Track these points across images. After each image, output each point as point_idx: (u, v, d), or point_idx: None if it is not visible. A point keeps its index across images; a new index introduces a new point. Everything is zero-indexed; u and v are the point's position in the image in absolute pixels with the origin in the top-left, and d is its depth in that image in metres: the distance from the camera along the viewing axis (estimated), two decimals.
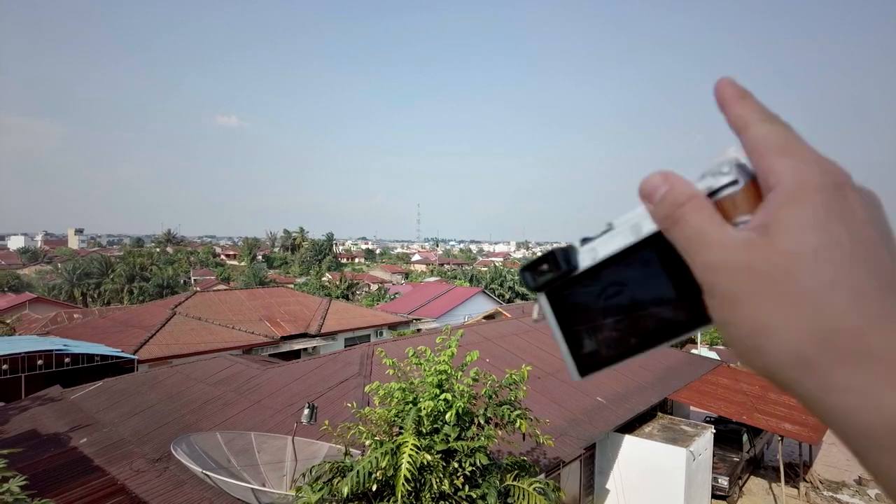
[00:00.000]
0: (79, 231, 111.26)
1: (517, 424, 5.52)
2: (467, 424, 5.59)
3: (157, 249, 66.64)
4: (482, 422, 5.63)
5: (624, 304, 0.51)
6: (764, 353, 0.39)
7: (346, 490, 5.07)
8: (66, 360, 15.39)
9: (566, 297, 0.52)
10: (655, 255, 0.50)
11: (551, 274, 0.52)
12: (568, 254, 0.52)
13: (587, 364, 0.51)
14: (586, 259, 0.51)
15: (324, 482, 5.47)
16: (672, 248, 0.49)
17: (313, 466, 5.76)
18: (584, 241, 0.52)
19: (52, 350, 15.23)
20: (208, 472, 7.05)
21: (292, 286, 37.52)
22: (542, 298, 0.53)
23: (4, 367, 14.51)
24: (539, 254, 0.53)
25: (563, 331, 0.52)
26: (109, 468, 8.41)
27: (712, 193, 0.46)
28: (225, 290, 29.20)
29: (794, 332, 0.37)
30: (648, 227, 0.50)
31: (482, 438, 5.41)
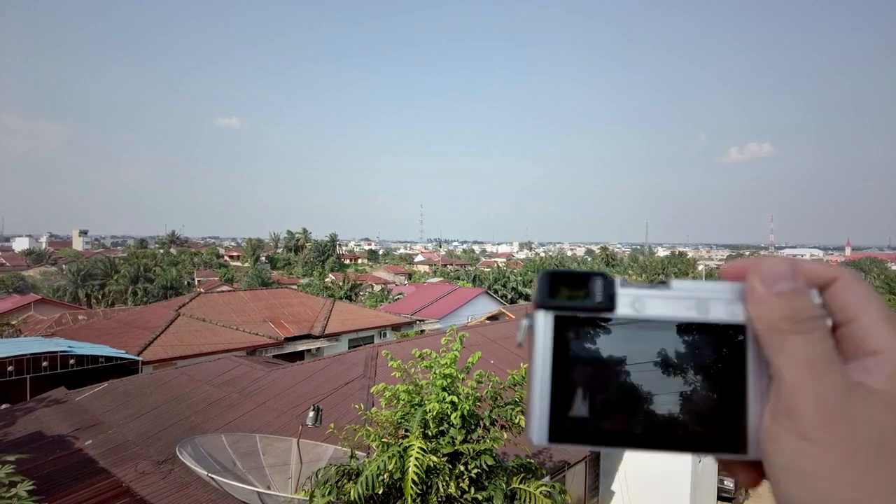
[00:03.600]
0: (83, 232, 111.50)
1: (518, 421, 5.50)
2: (473, 427, 5.57)
3: (161, 251, 66.77)
4: (487, 424, 5.61)
5: (647, 384, 0.42)
6: None
7: (354, 494, 5.06)
8: (71, 361, 15.41)
9: (577, 336, 0.43)
10: (713, 349, 0.43)
11: (578, 300, 0.43)
12: (609, 288, 0.43)
13: (563, 429, 0.42)
14: (626, 307, 0.43)
15: (331, 486, 5.45)
16: (736, 352, 0.43)
17: (319, 470, 5.75)
18: (626, 284, 0.44)
19: (56, 351, 15.25)
20: (213, 475, 7.04)
21: (295, 287, 37.54)
22: (548, 320, 0.43)
23: (10, 368, 14.53)
24: (572, 269, 0.45)
25: (554, 375, 0.42)
26: (115, 470, 8.41)
27: None
28: (229, 291, 29.24)
29: None
30: (724, 313, 0.43)
31: (488, 441, 5.40)
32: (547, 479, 6.15)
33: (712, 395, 0.42)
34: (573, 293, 0.43)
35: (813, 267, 0.43)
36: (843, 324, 0.41)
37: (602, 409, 0.42)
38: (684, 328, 0.43)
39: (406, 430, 5.55)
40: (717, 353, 0.43)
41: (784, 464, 0.38)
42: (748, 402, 0.42)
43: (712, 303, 0.43)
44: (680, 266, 64.55)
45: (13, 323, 23.41)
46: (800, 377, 0.38)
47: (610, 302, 0.42)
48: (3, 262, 67.85)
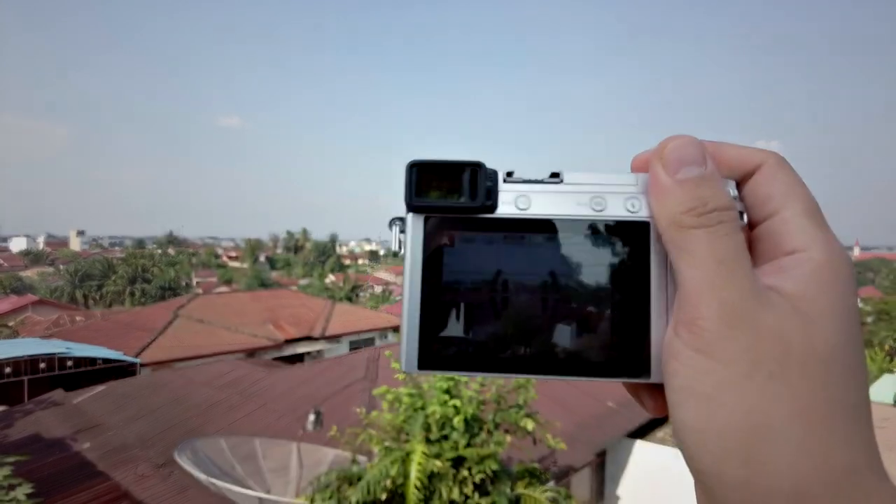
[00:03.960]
0: (80, 233, 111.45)
1: (522, 424, 5.46)
2: (476, 431, 5.53)
3: (159, 251, 66.76)
4: (491, 428, 5.57)
5: (535, 299, 0.36)
6: (752, 473, 0.30)
7: (355, 499, 5.02)
8: (69, 363, 15.34)
9: (452, 242, 0.36)
10: (612, 253, 0.36)
11: (452, 199, 0.36)
12: (488, 184, 0.36)
13: (435, 355, 0.36)
14: (508, 205, 0.37)
15: (332, 490, 5.41)
16: (638, 257, 0.36)
17: (320, 474, 5.70)
18: (510, 176, 0.37)
19: (54, 353, 15.18)
20: (213, 479, 6.99)
21: (295, 288, 37.52)
22: (417, 225, 0.36)
23: (7, 370, 14.45)
24: (445, 159, 0.36)
25: (425, 290, 0.36)
26: (113, 473, 8.33)
27: None
28: (228, 292, 29.20)
29: (811, 458, 0.30)
30: (624, 209, 0.36)
31: (492, 445, 5.36)
32: (552, 484, 6.09)
33: (610, 309, 0.36)
34: (446, 190, 0.36)
35: (732, 151, 0.37)
36: (763, 220, 0.36)
37: (482, 329, 0.36)
38: (577, 229, 0.36)
39: (408, 435, 5.50)
40: (616, 258, 0.36)
41: (680, 384, 0.32)
42: (651, 315, 0.36)
43: (611, 197, 0.36)
44: None
45: (11, 324, 23.32)
46: (702, 280, 0.32)
47: (489, 200, 0.36)
48: (1, 262, 67.76)
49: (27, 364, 14.79)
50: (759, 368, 0.31)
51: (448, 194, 0.36)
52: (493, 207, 0.36)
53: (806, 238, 0.33)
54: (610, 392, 10.68)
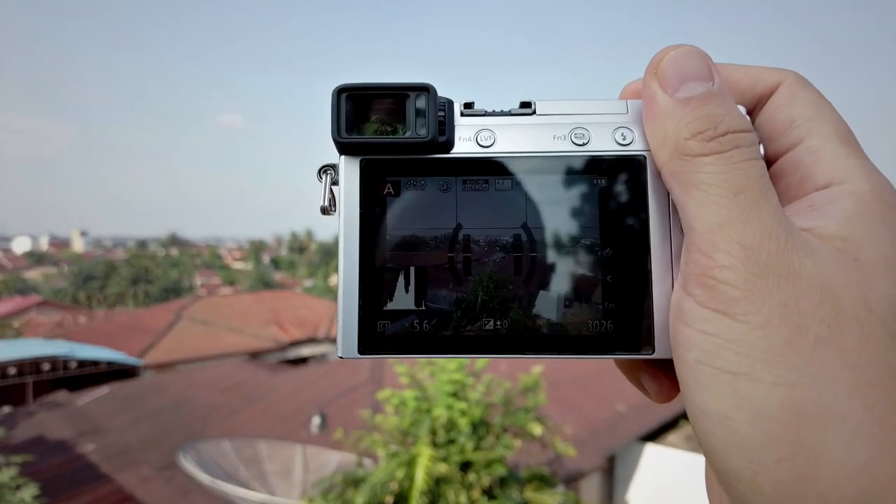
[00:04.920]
0: (83, 233, 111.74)
1: (530, 428, 5.41)
2: (483, 434, 5.48)
3: (162, 252, 66.91)
4: (499, 432, 5.52)
5: (504, 260, 0.29)
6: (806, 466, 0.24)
7: (360, 502, 4.98)
8: (73, 364, 15.34)
9: (397, 191, 0.30)
10: (599, 199, 0.29)
11: (397, 134, 0.29)
12: (444, 114, 0.29)
13: (380, 335, 0.29)
14: (468, 142, 0.30)
15: (336, 493, 5.38)
16: (632, 201, 0.29)
17: (325, 477, 5.66)
18: (469, 108, 0.30)
19: (58, 355, 15.18)
20: (217, 481, 6.95)
21: (299, 289, 37.51)
22: (352, 170, 0.30)
23: (12, 371, 14.45)
24: (383, 82, 0.29)
25: (364, 254, 0.29)
26: (117, 475, 8.31)
27: None
28: (231, 293, 29.22)
29: (879, 446, 0.23)
30: (612, 141, 0.29)
31: (499, 449, 5.31)
32: (561, 488, 6.04)
33: (601, 268, 0.29)
34: (387, 124, 0.29)
35: (741, 71, 0.30)
36: (785, 151, 0.29)
37: (439, 299, 0.29)
38: (555, 168, 0.29)
39: (414, 438, 5.46)
40: (606, 203, 0.29)
41: (696, 358, 0.25)
42: (652, 272, 0.29)
43: (596, 128, 0.29)
44: None
45: (15, 325, 23.33)
46: (717, 219, 0.25)
47: (443, 135, 0.29)
48: (5, 263, 67.99)
49: (31, 365, 14.79)
50: (804, 331, 0.24)
51: (390, 128, 0.29)
52: (449, 145, 0.29)
53: (843, 168, 0.27)
54: (620, 395, 10.61)
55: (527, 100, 0.30)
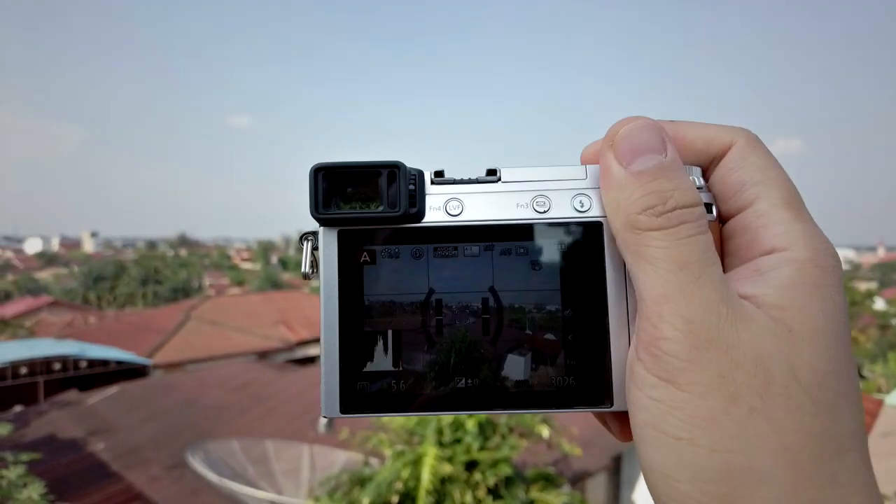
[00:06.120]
0: (94, 234, 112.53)
1: (537, 430, 5.41)
2: (489, 434, 5.49)
3: (171, 252, 67.24)
4: (505, 432, 5.52)
5: (474, 322, 0.31)
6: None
7: (366, 502, 5.00)
8: (83, 363, 15.47)
9: (373, 259, 0.31)
10: (561, 262, 0.31)
11: (370, 208, 0.30)
12: (413, 186, 0.31)
13: (360, 394, 0.31)
14: (438, 210, 0.31)
15: (342, 492, 5.40)
16: (591, 265, 0.31)
17: (332, 476, 5.69)
18: (439, 177, 0.32)
19: (69, 354, 15.31)
20: (225, 481, 7.00)
21: (307, 290, 37.61)
22: (330, 240, 0.32)
23: (23, 370, 14.60)
24: (355, 161, 0.31)
25: (344, 317, 0.31)
26: (126, 474, 8.38)
27: None
28: (239, 293, 29.34)
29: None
30: (571, 208, 0.31)
31: (505, 449, 5.32)
32: (567, 488, 6.04)
33: (563, 329, 0.31)
34: (361, 198, 0.31)
35: (695, 131, 0.31)
36: (735, 212, 0.31)
37: (415, 360, 0.31)
38: (519, 234, 0.31)
39: (420, 438, 5.47)
40: (566, 266, 0.31)
41: (645, 420, 0.28)
42: (610, 332, 0.31)
43: (556, 195, 0.31)
44: None
45: (27, 325, 23.55)
46: (663, 293, 0.27)
47: (414, 206, 0.31)
48: (17, 264, 68.57)
49: (42, 365, 14.93)
50: (738, 402, 0.26)
51: (364, 203, 0.31)
52: (420, 215, 0.31)
53: (786, 233, 0.29)
54: None
55: (493, 167, 0.32)
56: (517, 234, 0.31)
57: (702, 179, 0.31)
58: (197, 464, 7.82)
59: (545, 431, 5.41)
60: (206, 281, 53.40)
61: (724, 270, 0.30)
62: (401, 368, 0.32)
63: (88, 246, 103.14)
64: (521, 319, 0.32)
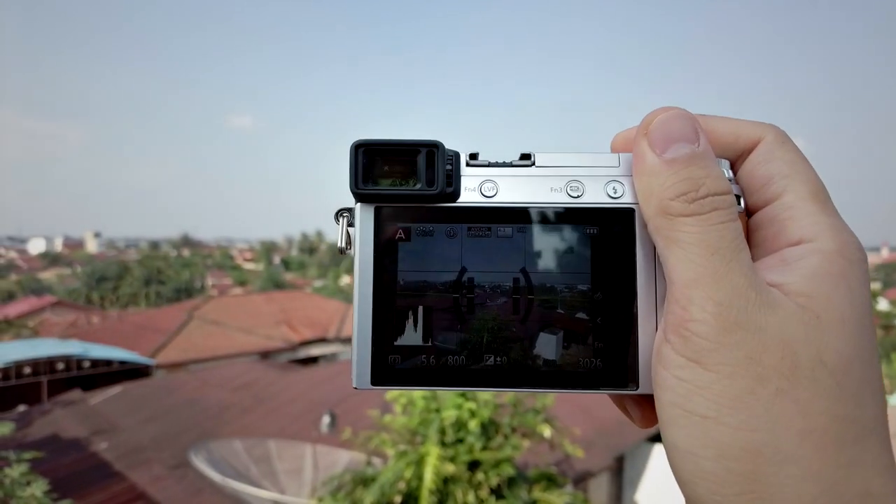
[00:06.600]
0: (97, 234, 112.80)
1: (539, 430, 5.41)
2: (492, 435, 5.49)
3: (174, 253, 67.39)
4: (507, 432, 5.52)
5: (504, 301, 0.32)
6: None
7: (369, 501, 5.00)
8: (86, 363, 15.51)
9: (408, 236, 0.32)
10: (591, 246, 0.32)
11: (407, 186, 0.31)
12: (451, 166, 0.32)
13: (390, 368, 0.32)
14: (472, 192, 0.32)
15: (345, 492, 5.40)
16: (621, 249, 0.31)
17: (334, 476, 5.69)
18: (474, 159, 0.32)
19: (72, 354, 15.35)
20: (228, 480, 7.01)
21: (310, 290, 37.66)
22: (366, 216, 0.32)
23: (27, 370, 14.64)
24: (396, 138, 0.31)
25: (378, 293, 0.32)
26: (129, 474, 8.39)
27: None
28: (242, 294, 29.38)
29: (821, 483, 0.27)
30: (604, 194, 0.31)
31: (507, 449, 5.31)
32: (569, 488, 6.03)
33: (591, 311, 0.32)
34: (399, 176, 0.31)
35: (724, 125, 0.32)
36: (763, 205, 0.31)
37: (445, 337, 0.32)
38: (552, 218, 0.32)
39: (423, 438, 5.47)
40: (598, 250, 0.32)
41: (671, 400, 0.28)
42: (638, 316, 0.32)
43: (589, 181, 0.31)
44: None
45: (30, 325, 23.62)
46: (693, 276, 0.28)
47: (450, 186, 0.31)
48: (21, 264, 68.79)
49: (46, 364, 14.97)
50: (765, 383, 0.27)
51: (402, 180, 0.31)
52: (455, 195, 0.32)
53: (813, 225, 0.29)
54: None
55: (527, 151, 0.33)
56: (550, 218, 0.32)
57: (730, 172, 0.32)
58: (200, 463, 7.84)
59: (547, 431, 5.40)
60: (209, 281, 53.50)
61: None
62: (431, 344, 0.32)
63: (92, 246, 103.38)
64: (552, 300, 0.32)
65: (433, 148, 0.31)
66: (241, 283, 50.47)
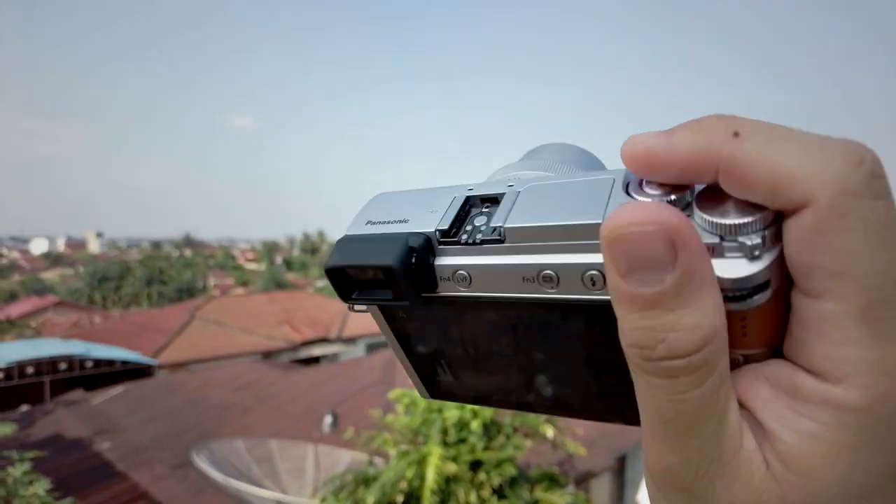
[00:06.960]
0: (99, 234, 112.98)
1: (541, 430, 5.41)
2: (494, 434, 5.49)
3: (176, 253, 67.49)
4: (509, 432, 5.52)
5: (505, 355, 0.32)
6: None
7: (370, 501, 5.00)
8: (89, 363, 15.53)
9: (407, 315, 0.34)
10: (570, 335, 0.30)
11: (378, 292, 0.30)
12: (415, 265, 0.29)
13: (438, 388, 0.37)
14: (448, 282, 0.31)
15: (347, 492, 5.40)
16: (609, 342, 0.28)
17: (336, 476, 5.69)
18: (446, 236, 0.30)
19: (74, 354, 15.38)
20: (230, 480, 7.01)
21: (311, 290, 37.69)
22: (365, 307, 0.34)
23: (30, 370, 14.67)
24: (357, 263, 0.30)
25: (406, 351, 0.36)
26: (131, 473, 8.41)
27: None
28: (244, 294, 29.41)
29: None
30: (577, 282, 0.26)
31: (509, 449, 5.31)
32: (571, 488, 6.03)
33: (582, 369, 0.30)
34: (375, 284, 0.30)
35: (760, 169, 0.20)
36: (802, 291, 0.21)
37: (468, 377, 0.35)
38: (529, 308, 0.29)
39: (425, 437, 5.47)
40: (574, 344, 0.29)
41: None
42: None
43: (564, 271, 0.26)
44: None
45: (33, 325, 23.67)
46: (650, 436, 0.24)
47: (421, 286, 0.29)
48: (23, 264, 68.93)
49: (48, 364, 15.00)
50: None
51: (378, 287, 0.30)
52: (433, 286, 0.30)
53: (845, 360, 0.20)
54: None
55: (497, 224, 0.28)
56: (527, 308, 0.29)
57: (759, 237, 0.21)
58: (202, 463, 7.85)
59: (549, 431, 5.40)
60: (211, 281, 53.57)
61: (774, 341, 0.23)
62: (454, 379, 0.36)
63: (94, 246, 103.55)
64: (548, 378, 0.34)
65: (388, 270, 0.29)
66: (243, 283, 50.51)
